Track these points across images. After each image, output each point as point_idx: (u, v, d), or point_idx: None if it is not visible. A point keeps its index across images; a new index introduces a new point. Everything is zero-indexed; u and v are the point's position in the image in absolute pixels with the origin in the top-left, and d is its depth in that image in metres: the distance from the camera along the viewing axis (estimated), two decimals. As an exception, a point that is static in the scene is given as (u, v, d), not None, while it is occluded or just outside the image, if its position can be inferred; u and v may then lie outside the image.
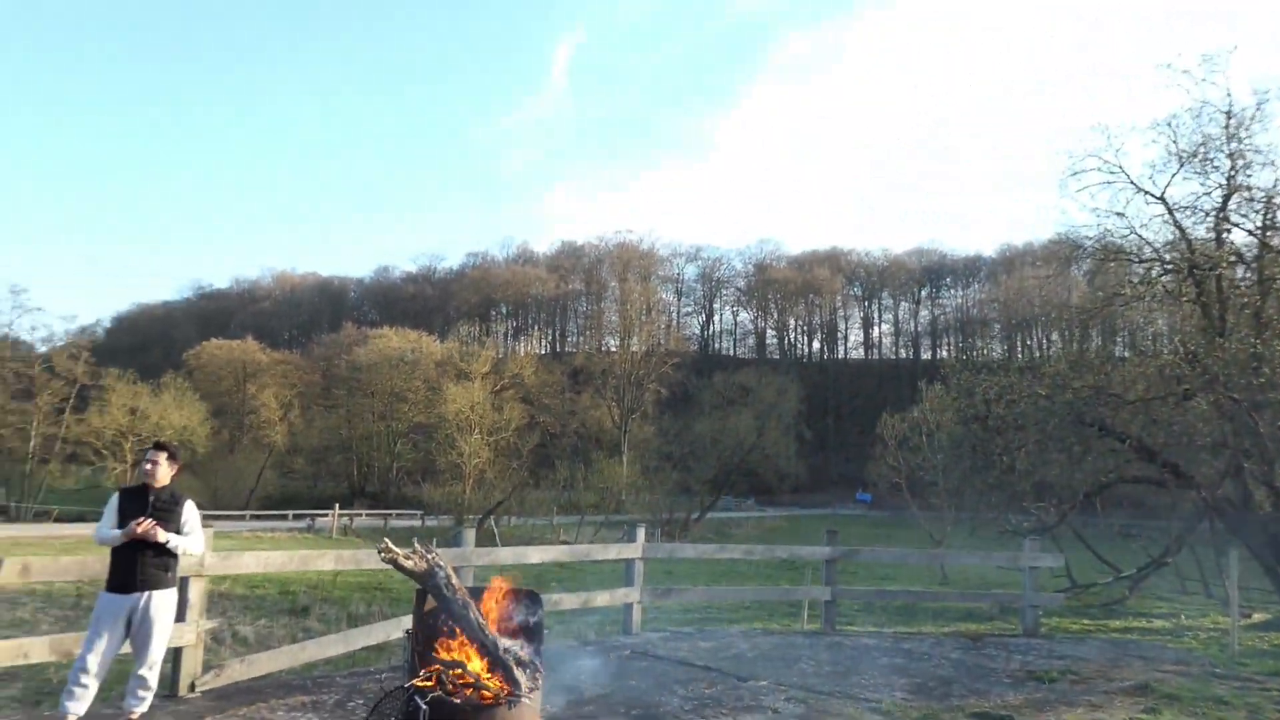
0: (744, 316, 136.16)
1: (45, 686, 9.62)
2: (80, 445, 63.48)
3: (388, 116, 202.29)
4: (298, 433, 78.04)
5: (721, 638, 11.22)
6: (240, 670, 7.29)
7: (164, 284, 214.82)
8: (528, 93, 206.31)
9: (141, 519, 5.86)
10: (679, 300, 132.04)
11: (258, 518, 54.35)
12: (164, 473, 6.12)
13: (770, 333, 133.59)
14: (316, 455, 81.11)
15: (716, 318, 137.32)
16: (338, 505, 52.31)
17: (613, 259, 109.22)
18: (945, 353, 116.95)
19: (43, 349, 70.55)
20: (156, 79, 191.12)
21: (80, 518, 54.60)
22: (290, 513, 56.29)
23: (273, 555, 7.68)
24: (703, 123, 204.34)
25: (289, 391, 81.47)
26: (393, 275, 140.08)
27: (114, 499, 6.13)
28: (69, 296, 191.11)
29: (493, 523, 44.42)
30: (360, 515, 55.65)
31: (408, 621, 8.49)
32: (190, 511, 6.20)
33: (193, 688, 6.88)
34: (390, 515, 57.11)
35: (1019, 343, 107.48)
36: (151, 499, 6.03)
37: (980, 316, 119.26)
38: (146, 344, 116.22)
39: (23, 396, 63.90)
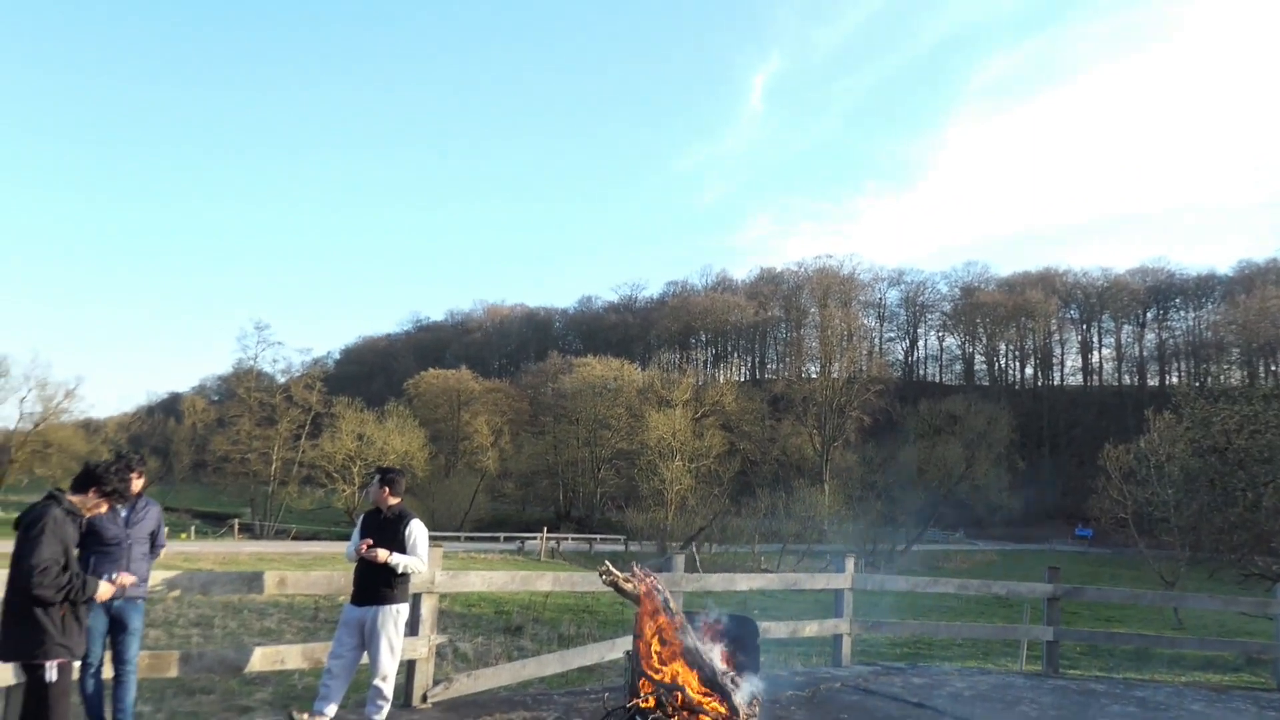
0: (950, 341, 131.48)
1: (291, 692, 10.42)
2: (314, 469, 68.25)
3: (589, 150, 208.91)
4: (508, 458, 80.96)
5: (935, 674, 10.84)
6: (466, 684, 7.67)
7: (386, 317, 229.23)
8: (727, 123, 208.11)
9: (366, 540, 6.32)
10: (881, 325, 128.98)
11: (471, 539, 56.81)
12: (385, 495, 6.56)
13: (979, 358, 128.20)
14: (525, 480, 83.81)
15: (921, 343, 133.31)
16: (545, 529, 53.96)
17: (813, 285, 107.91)
18: (1175, 379, 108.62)
19: (282, 380, 76.88)
20: (379, 123, 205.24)
21: (314, 536, 58.81)
22: (501, 535, 58.54)
23: (496, 575, 8.05)
24: (905, 145, 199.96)
25: (499, 418, 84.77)
26: (595, 305, 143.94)
27: (360, 520, 6.65)
28: (304, 330, 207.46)
29: (694, 549, 44.62)
30: (567, 539, 57.11)
31: (621, 644, 8.70)
32: (416, 530, 6.59)
33: (424, 699, 7.29)
34: (595, 539, 58.32)
35: (1261, 368, 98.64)
36: (380, 519, 6.49)
37: (1215, 339, 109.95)
38: (371, 374, 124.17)
39: (266, 423, 69.79)
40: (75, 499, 4.86)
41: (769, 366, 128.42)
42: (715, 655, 5.00)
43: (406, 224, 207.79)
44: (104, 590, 4.98)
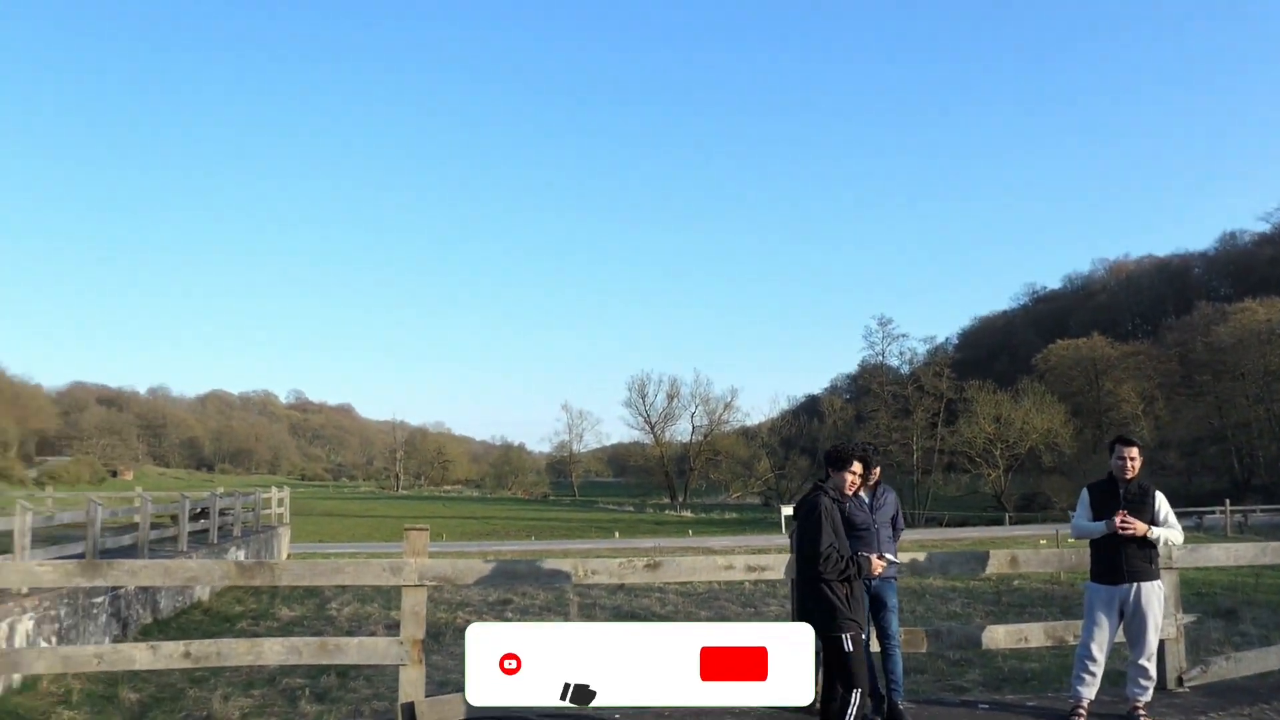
0: None
1: (999, 674, 10.47)
2: (955, 455, 68.94)
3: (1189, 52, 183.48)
4: (1164, 425, 73.95)
5: None
6: (1226, 668, 7.01)
7: (998, 295, 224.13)
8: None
9: (1120, 513, 6.02)
10: None
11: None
12: (1136, 466, 6.22)
13: None
14: (1188, 448, 76.12)
15: None
16: (1228, 501, 48.08)
17: None
18: None
19: (906, 370, 79.02)
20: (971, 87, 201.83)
21: (964, 522, 59.12)
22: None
23: (1240, 547, 7.28)
24: None
25: (1147, 383, 77.79)
26: (1242, 240, 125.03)
27: (1084, 494, 6.44)
28: (917, 321, 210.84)
29: None
30: (1254, 511, 50.36)
31: None
32: (1162, 502, 6.23)
33: (1180, 682, 6.81)
34: (1291, 509, 50.61)
35: None
36: (1121, 492, 6.17)
37: None
38: (992, 354, 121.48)
39: (901, 414, 72.18)
40: (835, 476, 5.41)
41: None
42: None
43: (1010, 189, 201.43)
44: (876, 565, 5.45)
